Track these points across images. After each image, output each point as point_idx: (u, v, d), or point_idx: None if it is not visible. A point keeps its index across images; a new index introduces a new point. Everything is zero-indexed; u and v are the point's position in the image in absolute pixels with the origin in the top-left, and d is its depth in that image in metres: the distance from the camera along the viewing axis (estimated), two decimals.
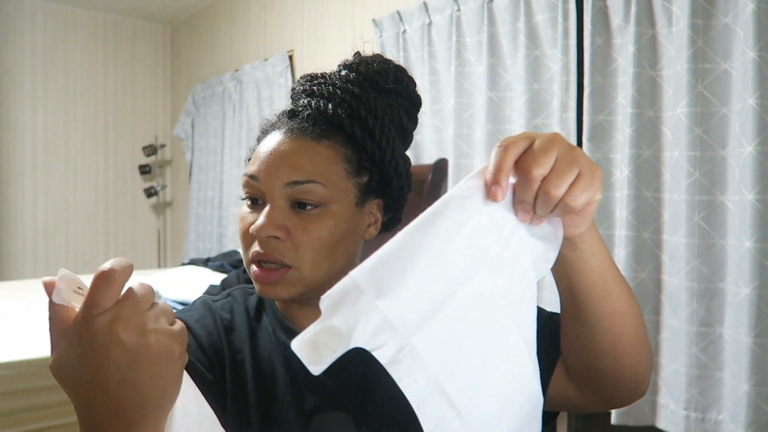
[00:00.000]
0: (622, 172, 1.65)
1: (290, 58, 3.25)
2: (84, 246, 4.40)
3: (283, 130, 0.67)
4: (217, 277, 2.32)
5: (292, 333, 0.69)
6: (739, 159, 1.40)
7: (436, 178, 2.21)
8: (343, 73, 0.71)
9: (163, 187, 4.67)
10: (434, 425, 0.45)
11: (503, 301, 0.50)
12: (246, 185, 0.66)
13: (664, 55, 1.60)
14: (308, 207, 0.64)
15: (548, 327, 0.72)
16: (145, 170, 4.52)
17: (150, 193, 4.55)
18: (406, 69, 0.76)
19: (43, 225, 4.23)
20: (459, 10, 2.14)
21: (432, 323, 0.45)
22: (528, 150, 0.47)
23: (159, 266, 4.69)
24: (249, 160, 0.71)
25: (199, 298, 0.76)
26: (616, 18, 1.69)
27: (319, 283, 0.65)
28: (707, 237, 1.47)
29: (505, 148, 0.47)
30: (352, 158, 0.67)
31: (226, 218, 3.69)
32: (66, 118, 4.30)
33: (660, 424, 1.59)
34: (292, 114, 0.69)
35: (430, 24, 2.28)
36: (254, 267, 0.65)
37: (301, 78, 0.73)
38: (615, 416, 1.63)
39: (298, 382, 0.68)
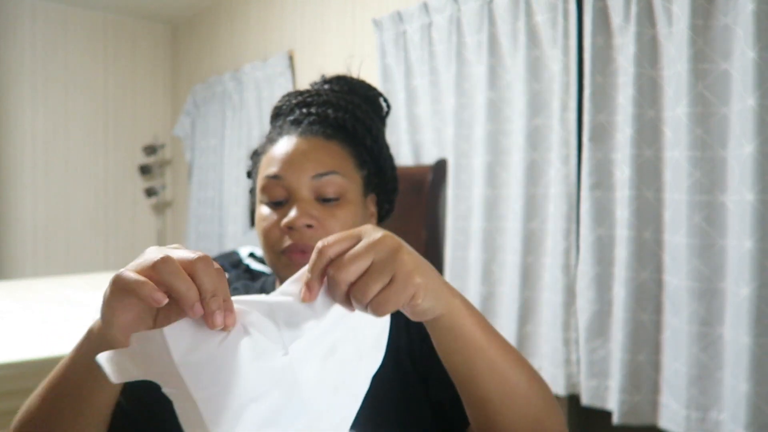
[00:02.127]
0: (623, 172, 1.65)
1: (290, 58, 3.25)
2: (84, 246, 4.40)
3: (295, 134, 0.74)
4: None
5: None
6: (739, 159, 1.40)
7: (436, 178, 2.21)
8: (326, 86, 0.80)
9: (163, 187, 4.67)
10: None
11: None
12: (268, 187, 0.73)
13: (665, 55, 1.60)
14: (332, 198, 0.72)
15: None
16: (145, 170, 4.52)
17: (150, 193, 4.55)
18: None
19: (43, 225, 4.22)
20: (459, 10, 2.14)
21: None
22: (344, 253, 0.47)
23: None
24: (253, 168, 0.80)
25: None
26: (616, 18, 1.69)
27: None
28: (708, 237, 1.47)
29: (320, 252, 0.47)
30: (355, 153, 0.76)
31: (226, 218, 3.69)
32: (66, 118, 4.30)
33: (661, 424, 1.59)
34: (296, 122, 0.76)
35: (430, 24, 2.28)
36: (286, 256, 0.71)
37: (286, 96, 0.81)
38: (616, 416, 1.63)
39: None
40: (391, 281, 0.47)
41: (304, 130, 0.74)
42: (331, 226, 0.70)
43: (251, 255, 2.57)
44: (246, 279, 2.19)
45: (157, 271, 0.44)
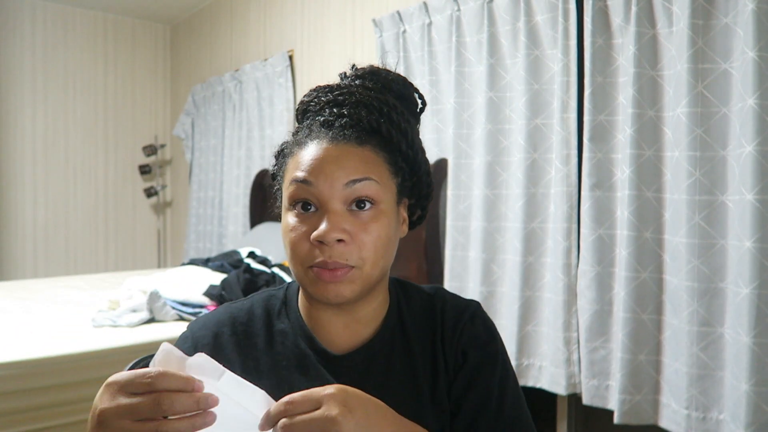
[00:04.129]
0: (623, 172, 1.65)
1: (290, 58, 3.25)
2: (84, 246, 4.40)
3: (326, 139, 0.68)
4: (217, 277, 2.32)
5: (313, 341, 0.73)
6: (739, 159, 1.40)
7: (436, 178, 2.21)
8: (357, 82, 0.73)
9: (163, 187, 4.67)
10: None
11: None
12: (296, 193, 0.67)
13: (665, 55, 1.60)
14: (365, 206, 0.67)
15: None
16: (145, 170, 4.52)
17: (150, 193, 4.55)
18: (407, 68, 0.80)
19: (43, 225, 4.23)
20: (459, 10, 2.14)
21: None
22: (303, 413, 0.55)
23: (159, 266, 4.69)
24: (278, 170, 0.74)
25: (223, 306, 0.80)
26: (616, 18, 1.69)
27: (375, 280, 0.69)
28: (708, 237, 1.47)
29: (284, 407, 0.55)
30: (390, 160, 0.70)
31: (226, 218, 3.69)
32: (66, 118, 4.30)
33: (661, 423, 1.59)
34: (327, 124, 0.69)
35: (430, 24, 2.28)
36: (314, 271, 0.67)
37: (314, 91, 0.74)
38: (617, 415, 1.63)
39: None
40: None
41: (335, 134, 0.68)
42: (363, 241, 0.66)
43: (251, 255, 2.57)
44: (246, 279, 2.19)
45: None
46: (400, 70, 2.43)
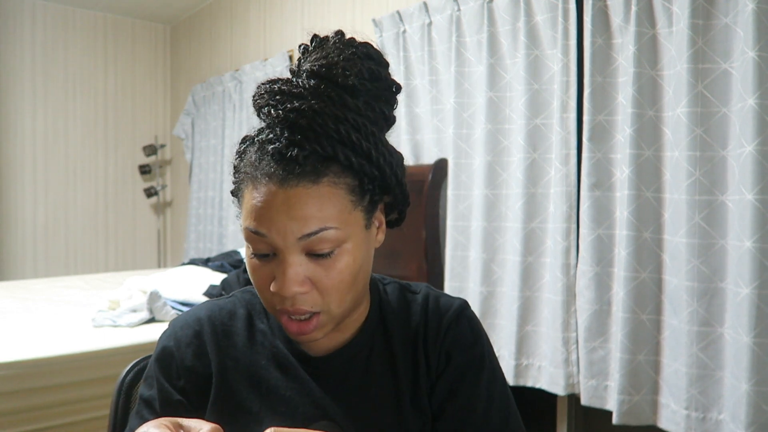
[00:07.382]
0: (622, 172, 1.65)
1: (290, 58, 3.25)
2: (84, 246, 4.40)
3: (276, 178, 0.60)
4: (217, 277, 2.32)
5: (291, 343, 0.72)
6: (739, 159, 1.40)
7: (436, 178, 2.21)
8: (312, 82, 0.62)
9: (163, 187, 4.67)
10: None
11: None
12: (251, 240, 0.62)
13: (665, 55, 1.60)
14: (325, 254, 0.62)
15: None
16: (145, 170, 4.53)
17: (150, 193, 4.55)
18: (381, 52, 0.68)
19: (43, 225, 4.23)
20: (459, 10, 2.14)
21: None
22: None
23: (159, 266, 4.69)
24: (237, 190, 0.65)
25: (204, 303, 0.78)
26: (616, 18, 1.69)
27: (347, 311, 0.67)
28: (707, 237, 1.47)
29: None
30: (354, 186, 0.63)
31: (226, 218, 3.69)
32: (66, 118, 4.30)
33: (661, 424, 1.59)
34: (277, 155, 0.60)
35: (430, 24, 2.28)
36: (282, 318, 0.64)
37: (265, 93, 0.63)
38: (616, 416, 1.63)
39: (292, 391, 0.70)
40: None
41: (287, 172, 0.59)
42: (325, 286, 0.62)
43: None
44: (246, 279, 2.19)
45: None
46: (400, 71, 2.44)
